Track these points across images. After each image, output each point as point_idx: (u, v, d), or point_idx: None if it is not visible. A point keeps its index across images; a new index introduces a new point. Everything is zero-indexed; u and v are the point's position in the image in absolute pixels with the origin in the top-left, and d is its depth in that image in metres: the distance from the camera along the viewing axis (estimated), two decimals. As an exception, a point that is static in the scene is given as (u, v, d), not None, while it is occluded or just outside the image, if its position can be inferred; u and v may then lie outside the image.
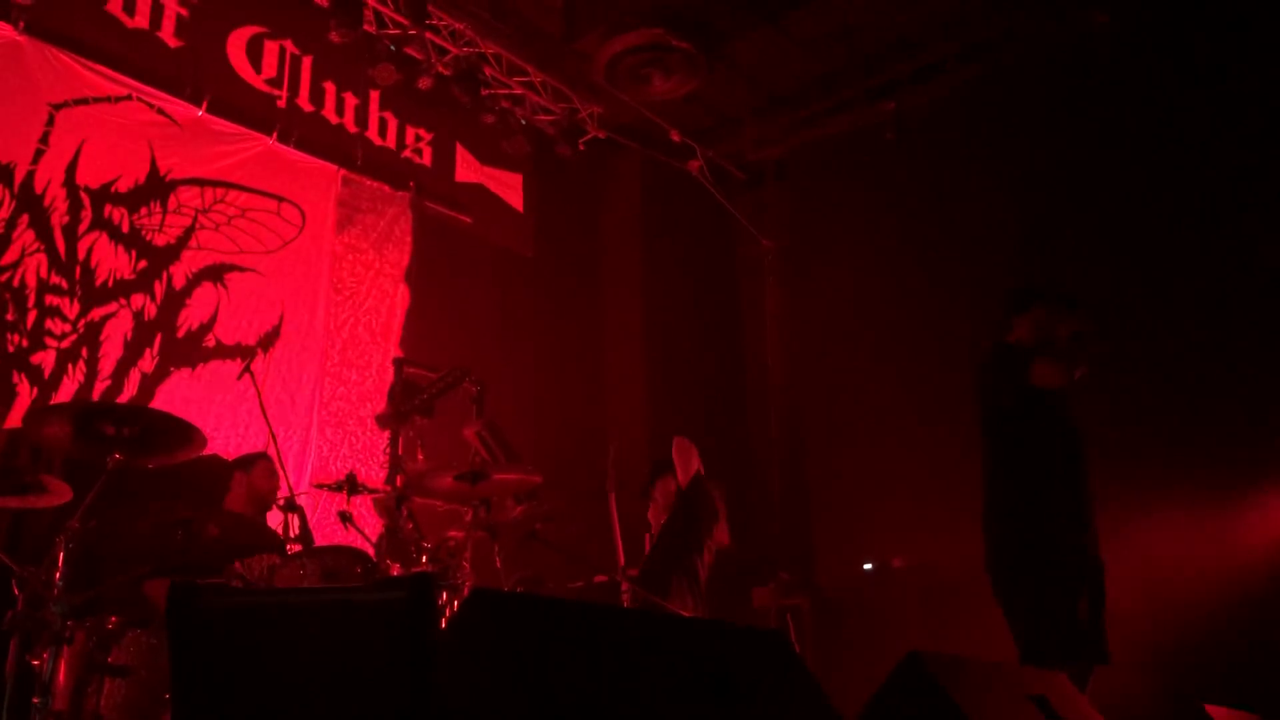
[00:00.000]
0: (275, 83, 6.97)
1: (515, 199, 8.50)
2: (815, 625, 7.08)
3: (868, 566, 7.45)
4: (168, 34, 6.47)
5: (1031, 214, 7.29)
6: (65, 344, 5.78)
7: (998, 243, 7.37)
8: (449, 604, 4.12)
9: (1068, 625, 4.09)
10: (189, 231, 6.41)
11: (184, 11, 6.53)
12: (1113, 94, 7.01)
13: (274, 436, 5.58)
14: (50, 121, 5.91)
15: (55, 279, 5.80)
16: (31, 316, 5.68)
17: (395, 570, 4.20)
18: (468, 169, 8.16)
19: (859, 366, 8.08)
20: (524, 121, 8.07)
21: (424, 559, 4.37)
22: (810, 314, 8.82)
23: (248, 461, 5.15)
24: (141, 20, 6.37)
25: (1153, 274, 6.67)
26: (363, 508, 5.53)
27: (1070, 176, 7.11)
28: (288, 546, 4.68)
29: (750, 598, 7.29)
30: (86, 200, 6.00)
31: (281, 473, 4.99)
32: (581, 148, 8.32)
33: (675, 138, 8.50)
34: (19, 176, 5.74)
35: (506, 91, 7.91)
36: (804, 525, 8.44)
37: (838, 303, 8.42)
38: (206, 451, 4.55)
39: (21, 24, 5.82)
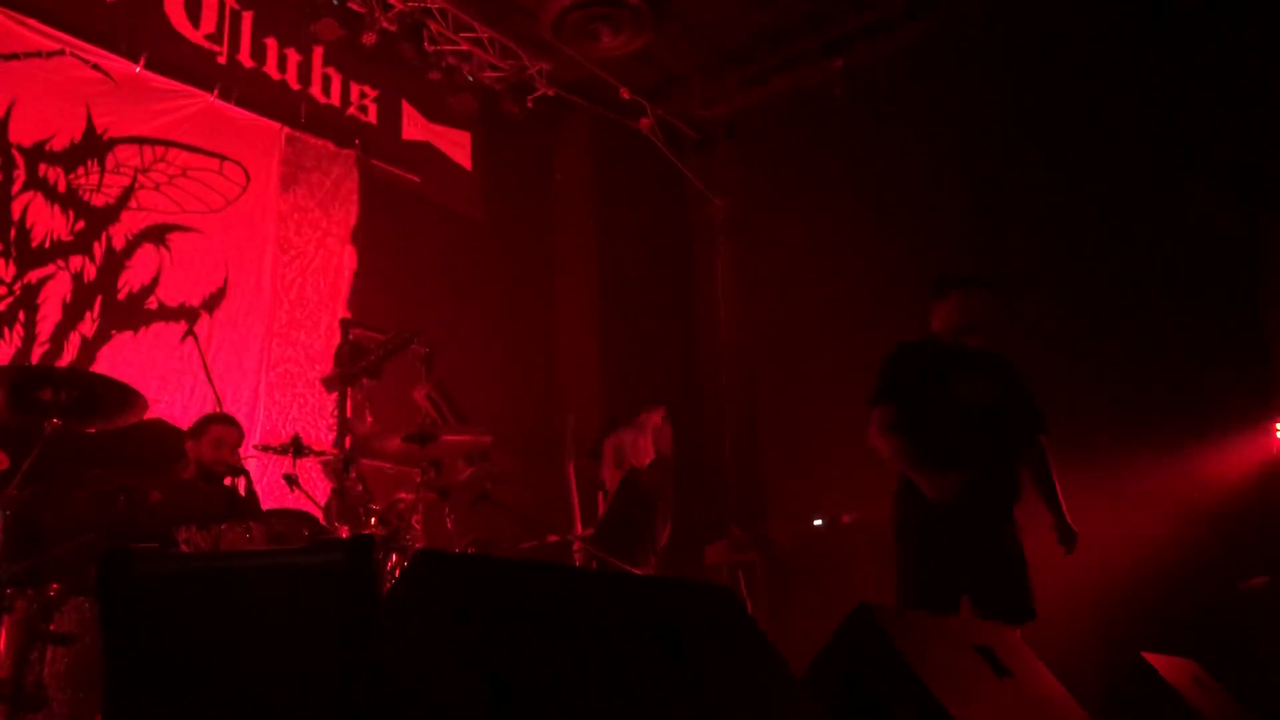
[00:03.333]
0: (215, 38, 6.80)
1: (464, 158, 8.39)
2: (767, 581, 7.15)
3: (818, 522, 7.52)
4: (103, -13, 6.28)
5: (979, 172, 7.33)
6: (1, 307, 5.64)
7: (946, 200, 7.42)
8: (399, 565, 4.10)
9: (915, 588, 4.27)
10: (128, 191, 6.25)
11: (118, -36, 6.34)
12: (1063, 51, 7.03)
13: (219, 399, 5.52)
14: (-20, 78, 5.73)
15: (-11, 241, 5.65)
16: (-35, 279, 5.54)
17: (344, 533, 4.17)
18: (415, 127, 8.03)
19: (810, 324, 8.12)
20: (471, 78, 7.95)
21: (373, 521, 4.34)
22: (762, 272, 8.84)
23: (198, 428, 5.05)
24: (74, -27, 6.17)
25: (1097, 234, 6.75)
26: (312, 471, 5.48)
27: (1018, 134, 7.15)
28: (233, 510, 4.63)
29: (703, 554, 7.34)
30: (20, 159, 5.83)
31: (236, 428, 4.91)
32: (530, 105, 8.22)
33: (625, 95, 8.43)
34: (-52, 135, 5.57)
35: (453, 48, 7.78)
36: (756, 482, 8.50)
37: (789, 261, 8.44)
38: (151, 416, 4.48)
39: (-54, -24, 5.63)
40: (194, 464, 4.97)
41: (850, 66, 7.95)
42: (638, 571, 5.36)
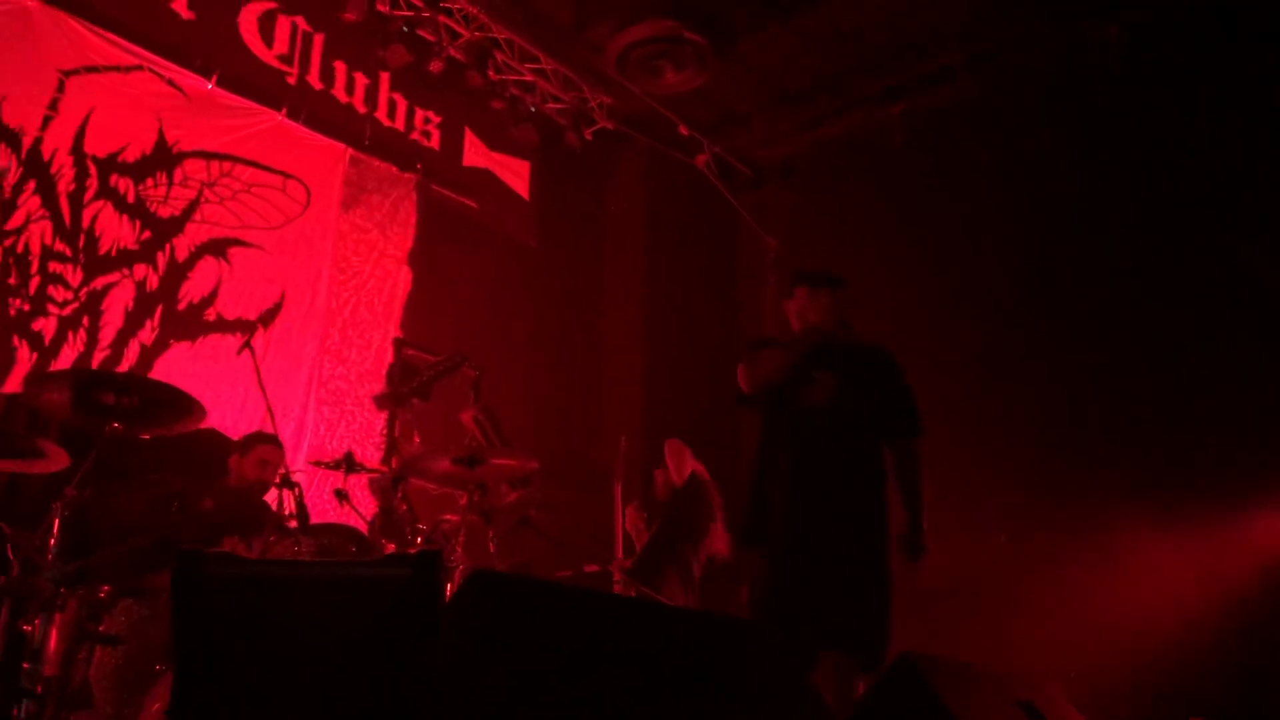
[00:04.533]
0: (286, 59, 6.96)
1: (521, 186, 8.49)
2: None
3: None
4: (180, 5, 6.46)
5: (1036, 222, 7.30)
6: (66, 311, 5.77)
7: (1001, 249, 7.39)
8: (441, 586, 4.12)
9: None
10: (193, 204, 6.39)
11: (197, -16, 6.52)
12: (1122, 105, 7.02)
13: (271, 412, 5.57)
14: (60, 88, 5.89)
15: (59, 246, 5.78)
16: (34, 282, 5.67)
17: (389, 551, 4.20)
18: (476, 154, 8.15)
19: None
20: (533, 109, 8.06)
21: (418, 540, 4.37)
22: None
23: (245, 445, 5.13)
24: (155, -10, 6.36)
25: (1154, 287, 6.69)
26: (357, 487, 5.53)
27: (1076, 187, 7.12)
28: (283, 523, 4.68)
29: (740, 595, 7.29)
30: (93, 169, 5.98)
31: (280, 450, 4.98)
32: (589, 137, 8.32)
33: (683, 131, 8.50)
34: (27, 143, 5.73)
35: (517, 78, 7.90)
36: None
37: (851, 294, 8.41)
38: (205, 425, 4.56)
39: (33, -11, 5.81)
40: (236, 479, 5.04)
41: (910, 113, 7.97)
42: (674, 603, 5.34)
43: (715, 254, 9.42)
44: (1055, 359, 6.85)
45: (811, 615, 3.65)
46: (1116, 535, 4.30)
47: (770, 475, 3.89)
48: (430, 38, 7.29)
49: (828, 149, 8.84)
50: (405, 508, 4.68)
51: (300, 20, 7.05)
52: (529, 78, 7.97)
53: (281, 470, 4.97)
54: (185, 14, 6.46)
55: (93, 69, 6.06)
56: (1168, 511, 6.21)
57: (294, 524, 4.51)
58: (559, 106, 8.21)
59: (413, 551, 4.19)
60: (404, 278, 7.46)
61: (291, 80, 6.97)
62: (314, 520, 4.79)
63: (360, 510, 4.84)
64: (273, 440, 5.13)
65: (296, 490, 4.59)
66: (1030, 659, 5.45)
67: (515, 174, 8.44)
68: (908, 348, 7.55)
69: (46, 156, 5.81)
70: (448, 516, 4.63)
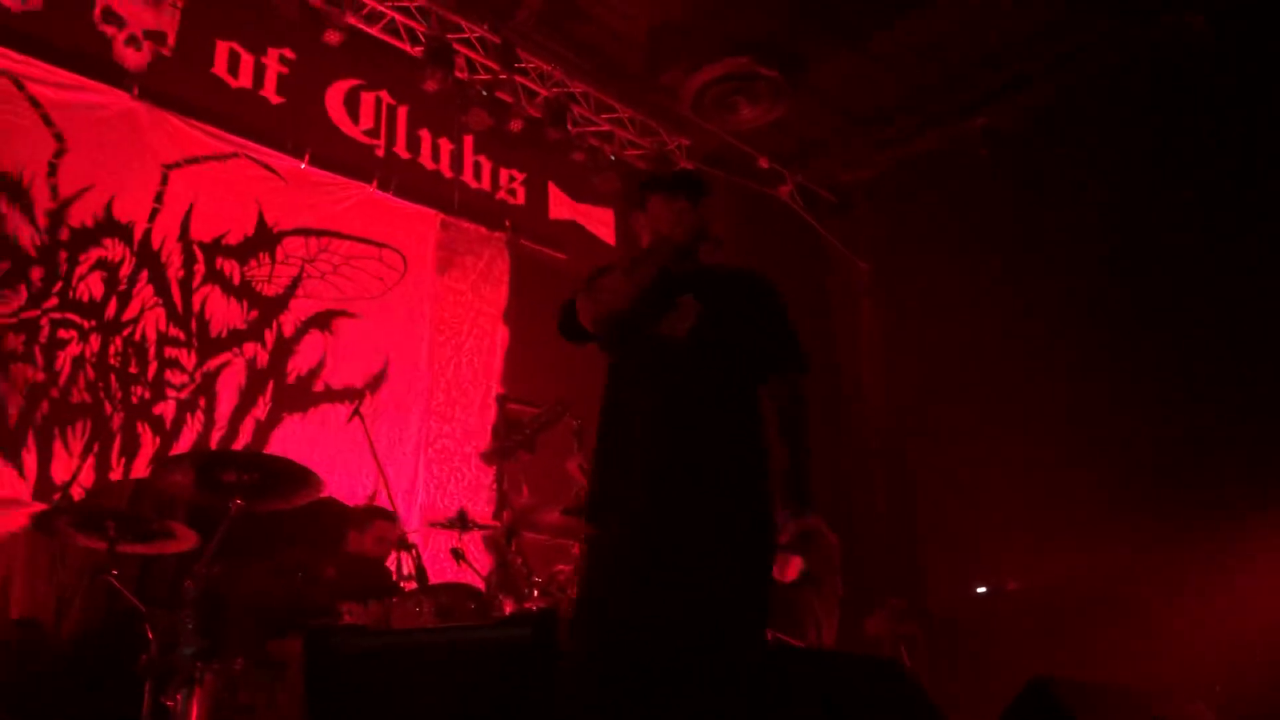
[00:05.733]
0: (373, 133, 7.19)
1: (607, 234, 8.59)
2: (929, 652, 6.94)
3: (981, 590, 7.30)
4: (270, 91, 6.73)
5: (1129, 223, 7.12)
6: (184, 394, 6.01)
7: (1095, 254, 7.22)
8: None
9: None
10: (296, 281, 6.62)
11: (284, 69, 6.79)
12: (1211, 98, 6.82)
13: (384, 476, 5.72)
14: (164, 181, 6.18)
15: (173, 331, 6.04)
16: (152, 368, 5.92)
17: (508, 606, 4.26)
18: (561, 207, 8.29)
19: (961, 384, 7.95)
20: (613, 157, 8.17)
21: (535, 593, 4.42)
22: (909, 333, 8.72)
23: (363, 519, 5.24)
24: (245, 80, 6.63)
25: (1259, 291, 6.45)
26: (472, 544, 5.61)
27: (1162, 188, 6.92)
28: (402, 585, 4.78)
29: (862, 627, 7.18)
30: (200, 254, 6.25)
31: (397, 524, 5.09)
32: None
33: (764, 164, 8.52)
34: (137, 235, 6.01)
35: (595, 129, 8.03)
36: (911, 549, 8.30)
37: (937, 321, 8.31)
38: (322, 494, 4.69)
39: (135, 90, 6.11)
40: (356, 549, 5.15)
41: (993, 124, 7.87)
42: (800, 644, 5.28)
43: (805, 282, 9.36)
44: (1168, 368, 6.64)
45: (684, 594, 2.76)
46: (1247, 545, 4.11)
47: (620, 428, 3.03)
48: (509, 99, 7.46)
49: (912, 168, 8.76)
50: (520, 561, 4.74)
51: (384, 94, 7.28)
52: (606, 127, 8.09)
53: (398, 533, 5.09)
54: (275, 99, 6.73)
55: (193, 160, 6.34)
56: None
57: (413, 585, 4.61)
58: (638, 152, 8.31)
59: (530, 606, 4.25)
60: (501, 334, 7.61)
61: (380, 152, 7.19)
62: (432, 580, 4.90)
63: (476, 566, 4.92)
64: (389, 516, 5.26)
65: (414, 552, 4.70)
66: (1163, 676, 5.25)
67: (601, 222, 8.55)
68: (1012, 357, 7.48)
69: (156, 246, 6.08)
70: (560, 567, 4.67)
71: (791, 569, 5.43)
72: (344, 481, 6.29)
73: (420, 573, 4.56)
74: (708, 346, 3.05)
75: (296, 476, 4.06)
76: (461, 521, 4.66)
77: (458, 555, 4.55)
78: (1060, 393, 7.02)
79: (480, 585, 4.60)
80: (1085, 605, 6.12)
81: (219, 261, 6.33)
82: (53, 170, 5.75)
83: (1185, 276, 6.76)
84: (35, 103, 5.74)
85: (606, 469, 2.99)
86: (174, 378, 5.99)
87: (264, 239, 6.55)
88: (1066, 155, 7.49)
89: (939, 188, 8.50)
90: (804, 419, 3.16)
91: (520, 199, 8.03)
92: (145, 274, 6.00)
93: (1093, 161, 7.31)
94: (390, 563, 5.10)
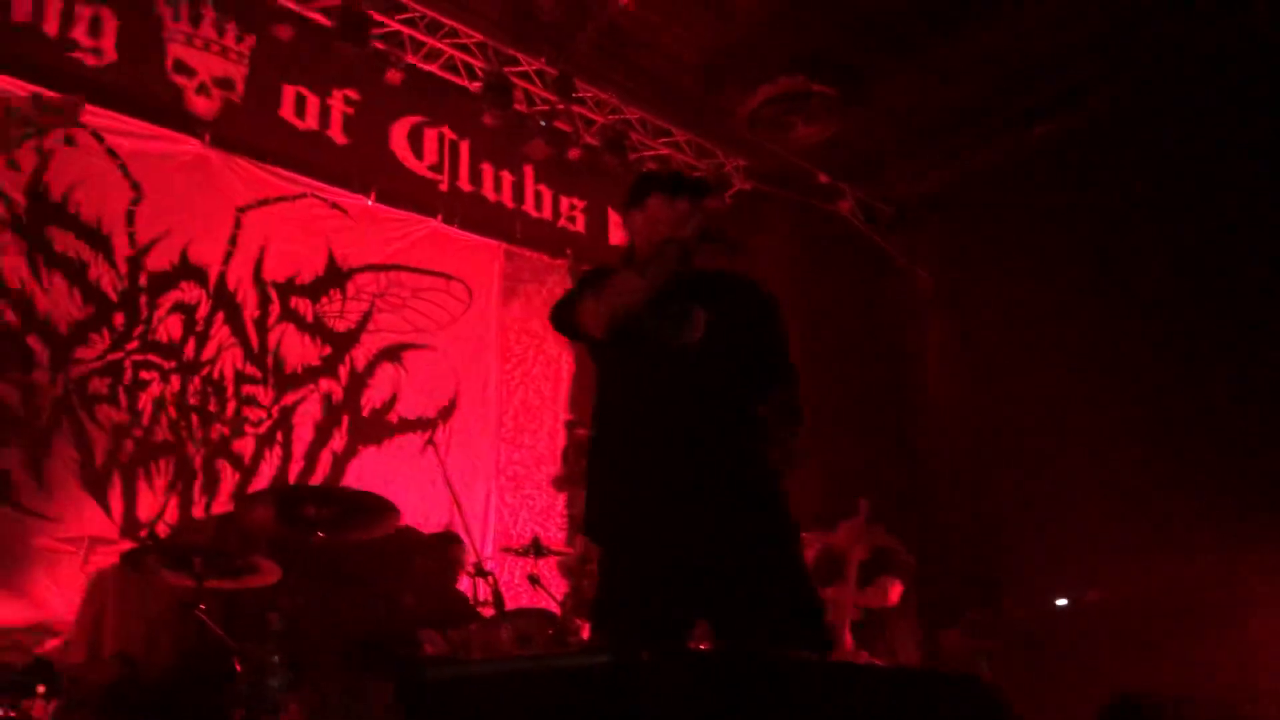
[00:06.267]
0: (436, 168, 7.34)
1: (669, 256, 8.64)
2: (1009, 667, 6.84)
3: (1061, 602, 7.17)
4: (336, 131, 6.90)
5: (1200, 224, 6.98)
6: (262, 430, 6.17)
7: (1167, 258, 7.09)
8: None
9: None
10: (367, 315, 6.77)
11: (349, 110, 6.96)
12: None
13: (459, 504, 5.80)
14: (237, 224, 6.36)
15: (250, 369, 6.20)
16: (231, 406, 6.09)
17: (585, 630, 4.30)
18: (621, 232, 8.37)
19: (1037, 394, 7.83)
20: (672, 180, 8.21)
21: (610, 618, 4.44)
22: (978, 344, 8.62)
23: (432, 545, 5.33)
24: (312, 121, 6.80)
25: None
26: (547, 569, 5.68)
27: (1239, 184, 6.78)
28: (479, 610, 4.85)
29: (937, 642, 7.10)
30: (274, 294, 6.41)
31: (469, 541, 5.17)
32: (729, 200, 8.43)
33: (823, 180, 8.52)
34: (213, 277, 6.19)
35: (652, 153, 8.10)
36: (987, 562, 8.19)
37: (1007, 330, 8.21)
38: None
39: (207, 136, 6.31)
40: (428, 576, 5.24)
41: (1052, 133, 7.79)
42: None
43: (869, 297, 9.33)
44: (1254, 374, 6.49)
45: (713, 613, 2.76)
46: None
47: (622, 441, 2.94)
48: (567, 128, 7.57)
49: (973, 179, 8.67)
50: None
51: (446, 130, 7.43)
52: (664, 151, 8.16)
53: (473, 559, 5.17)
54: (341, 139, 6.90)
55: (264, 202, 6.52)
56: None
57: (491, 612, 4.67)
58: (696, 174, 8.35)
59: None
60: (567, 360, 7.69)
61: (443, 187, 7.34)
62: (509, 606, 4.96)
63: (552, 592, 4.97)
64: (457, 539, 5.34)
65: (491, 579, 4.76)
66: (1254, 687, 5.12)
67: (662, 245, 8.60)
68: (1085, 366, 7.37)
69: (231, 287, 6.26)
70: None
71: (894, 593, 5.42)
72: (420, 509, 6.39)
73: (498, 599, 4.62)
74: (716, 357, 2.95)
75: (374, 508, 4.16)
76: (535, 548, 4.72)
77: (534, 581, 4.60)
78: (1140, 402, 6.89)
79: (556, 610, 4.65)
80: (1171, 616, 5.98)
81: (292, 300, 6.49)
82: (131, 218, 5.96)
83: (1271, 284, 6.61)
84: (113, 153, 5.95)
85: (610, 482, 2.92)
86: (252, 414, 6.15)
87: (334, 276, 6.70)
88: (1130, 159, 7.37)
89: (1003, 199, 8.40)
90: (796, 430, 3.01)
91: (581, 226, 8.13)
92: (221, 315, 6.18)
93: (1159, 163, 7.19)
94: (467, 589, 5.18)
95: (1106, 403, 7.13)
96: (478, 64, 7.20)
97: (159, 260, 6.01)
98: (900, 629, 5.35)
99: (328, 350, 6.55)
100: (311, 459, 6.32)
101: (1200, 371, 6.74)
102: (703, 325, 2.98)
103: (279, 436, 6.22)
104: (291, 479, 6.16)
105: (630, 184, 3.23)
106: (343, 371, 6.58)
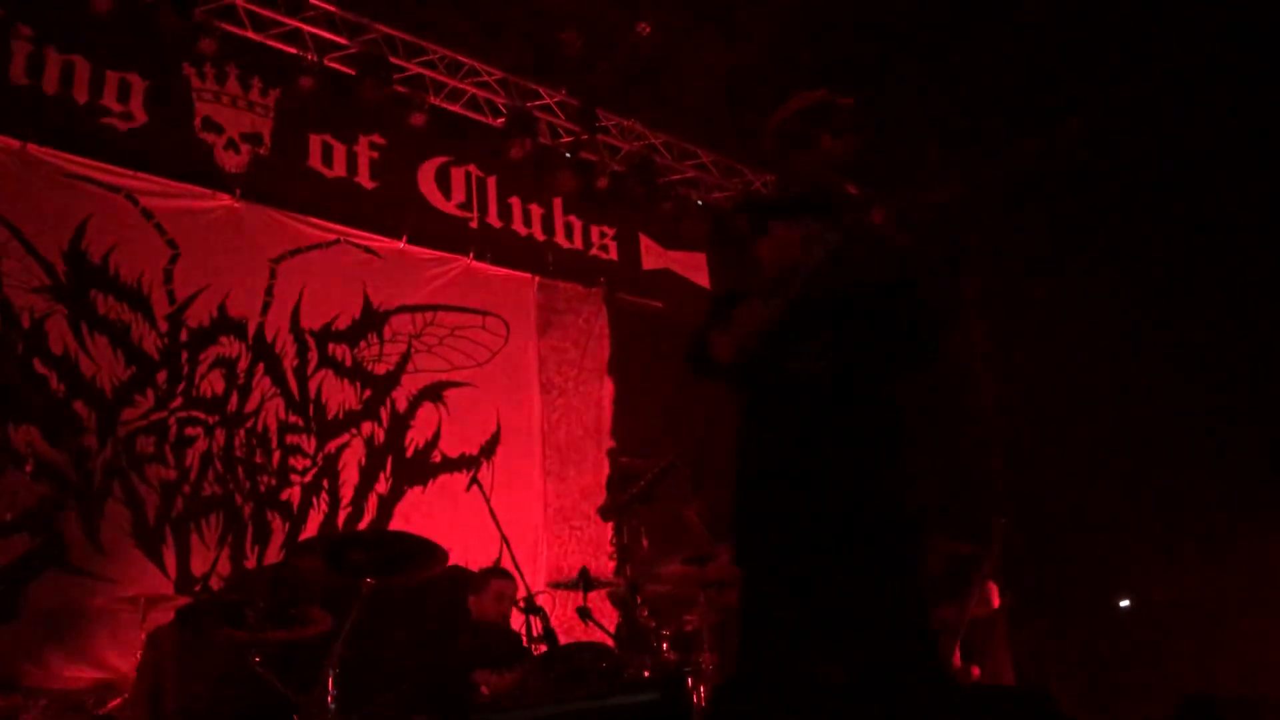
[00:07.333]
0: (465, 206, 7.39)
1: (702, 278, 8.63)
2: (1072, 672, 6.71)
3: (1124, 604, 7.03)
4: (364, 177, 6.96)
5: (1244, 221, 6.85)
6: (308, 478, 6.20)
7: (1211, 257, 6.95)
8: (694, 690, 4.13)
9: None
10: (405, 357, 6.80)
11: (375, 155, 7.02)
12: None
13: (506, 540, 5.79)
14: (272, 275, 6.43)
15: (293, 419, 6.25)
16: (276, 456, 6.13)
17: (639, 663, 4.25)
18: (653, 256, 8.37)
19: (1084, 394, 7.71)
20: (700, 202, 8.22)
21: (664, 646, 4.40)
22: (1024, 346, 8.51)
23: (479, 583, 5.31)
24: (339, 169, 6.88)
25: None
26: (598, 601, 5.64)
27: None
28: (532, 648, 4.81)
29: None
30: (312, 342, 6.46)
31: (518, 577, 5.14)
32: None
33: (853, 191, 8.46)
34: (251, 329, 6.26)
35: (680, 176, 8.10)
36: (1047, 567, 8.05)
37: (1052, 331, 8.09)
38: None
39: (237, 191, 6.39)
40: (478, 614, 5.21)
41: (1083, 126, 7.69)
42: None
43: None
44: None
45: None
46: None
47: (761, 471, 2.89)
48: (593, 158, 7.60)
49: (1009, 175, 8.59)
50: (646, 614, 4.73)
51: (472, 168, 7.48)
52: (691, 173, 8.16)
53: (523, 595, 5.13)
54: (369, 184, 6.96)
55: (297, 251, 6.58)
56: None
57: (544, 648, 4.63)
58: (725, 194, 8.35)
59: (666, 658, 4.24)
60: (607, 388, 7.68)
61: (474, 224, 7.38)
62: (562, 640, 4.92)
63: (604, 624, 4.93)
64: (503, 574, 5.31)
65: (542, 614, 4.73)
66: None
67: (694, 267, 8.60)
68: (1132, 366, 7.24)
69: (270, 338, 6.32)
70: (688, 618, 4.64)
71: (995, 596, 5.34)
72: (469, 547, 6.37)
73: (550, 635, 4.59)
74: (849, 382, 2.86)
75: (422, 550, 4.14)
76: (584, 580, 4.68)
77: (584, 614, 4.56)
78: (1194, 400, 6.75)
79: (610, 643, 4.61)
80: (1233, 614, 5.84)
81: (330, 346, 6.54)
82: (168, 276, 6.04)
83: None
84: (148, 214, 6.04)
85: (754, 514, 2.88)
86: (297, 463, 6.19)
87: (371, 320, 6.75)
88: (1161, 150, 7.26)
89: (1041, 194, 8.32)
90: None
91: (612, 253, 8.14)
92: (261, 366, 6.23)
93: (1200, 161, 7.07)
94: (519, 626, 5.15)
95: (1160, 400, 7.00)
96: (499, 100, 7.25)
97: (198, 315, 6.08)
98: (998, 636, 5.27)
99: (368, 394, 6.58)
100: (358, 503, 6.35)
101: (1258, 373, 6.59)
102: (829, 352, 2.89)
103: (324, 483, 6.26)
104: (340, 525, 6.18)
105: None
106: (384, 414, 6.61)
